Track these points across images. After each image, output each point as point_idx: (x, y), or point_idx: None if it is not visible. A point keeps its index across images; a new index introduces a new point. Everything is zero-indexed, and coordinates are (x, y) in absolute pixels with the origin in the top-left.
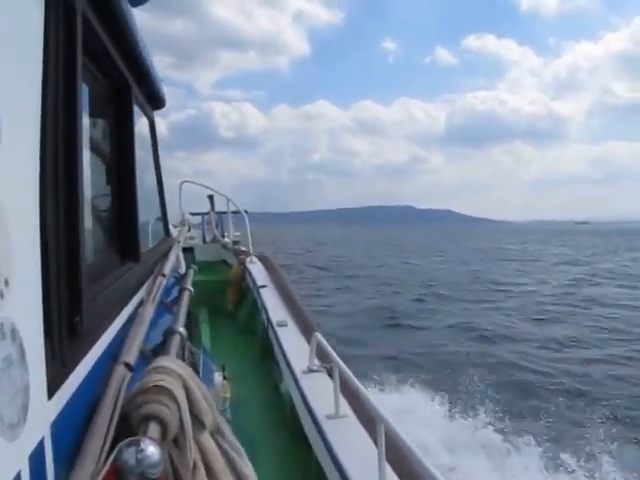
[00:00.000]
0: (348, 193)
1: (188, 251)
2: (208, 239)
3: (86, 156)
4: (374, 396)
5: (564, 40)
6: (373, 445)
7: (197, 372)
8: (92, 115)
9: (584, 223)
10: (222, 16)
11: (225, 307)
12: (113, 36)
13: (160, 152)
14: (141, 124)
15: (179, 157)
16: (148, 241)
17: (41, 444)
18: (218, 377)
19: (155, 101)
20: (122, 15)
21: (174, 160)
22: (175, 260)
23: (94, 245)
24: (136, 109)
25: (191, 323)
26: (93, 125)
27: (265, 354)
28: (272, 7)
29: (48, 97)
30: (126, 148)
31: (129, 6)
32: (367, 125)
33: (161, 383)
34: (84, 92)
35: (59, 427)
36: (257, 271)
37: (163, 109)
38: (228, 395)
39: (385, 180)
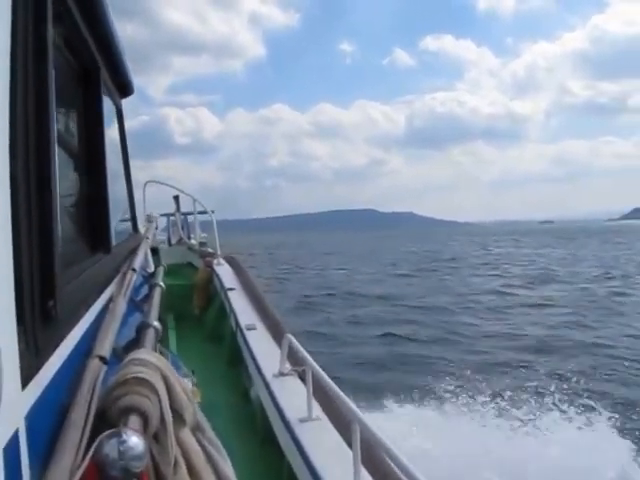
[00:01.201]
0: (309, 198)
1: (153, 252)
2: (174, 241)
3: (56, 143)
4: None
5: (522, 40)
6: (347, 448)
7: None
8: (60, 98)
9: (548, 222)
10: (175, 20)
11: (191, 312)
12: (85, 12)
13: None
14: (109, 111)
15: (136, 165)
16: (117, 236)
17: (15, 436)
18: (188, 383)
19: (123, 88)
20: None
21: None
22: (144, 256)
23: (65, 233)
24: (104, 96)
25: (162, 325)
26: (61, 108)
27: (234, 359)
28: (226, 10)
29: (17, 78)
30: (95, 134)
31: None
32: (326, 128)
33: (140, 375)
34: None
35: (34, 419)
36: (225, 273)
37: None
38: (198, 400)
39: (346, 184)
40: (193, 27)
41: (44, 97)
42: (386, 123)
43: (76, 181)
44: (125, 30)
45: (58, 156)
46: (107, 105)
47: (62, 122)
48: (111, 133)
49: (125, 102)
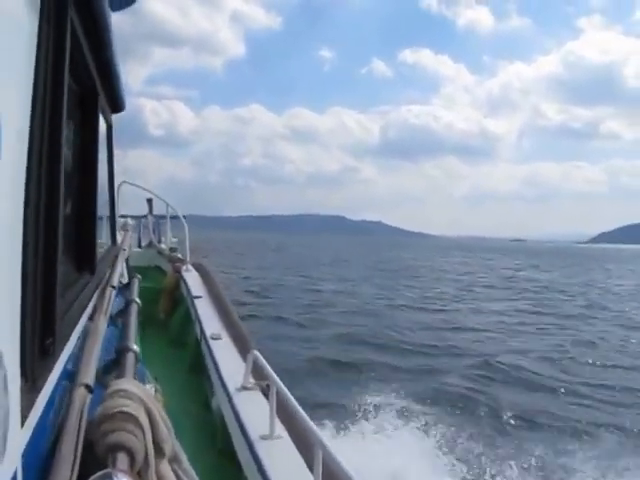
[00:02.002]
0: (280, 200)
1: None
2: (144, 244)
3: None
4: (312, 418)
5: (498, 59)
6: (308, 471)
7: None
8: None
9: (519, 240)
10: (157, 11)
11: (157, 316)
12: (91, 42)
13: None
14: (101, 129)
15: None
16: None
17: (14, 477)
18: (151, 389)
19: (116, 105)
20: (104, 20)
21: (100, 157)
22: (121, 270)
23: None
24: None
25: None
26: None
27: (196, 368)
28: (209, 6)
29: (36, 108)
30: (89, 158)
31: (109, 10)
32: (301, 132)
33: (126, 409)
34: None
35: (29, 456)
36: (192, 280)
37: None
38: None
39: (317, 189)
40: (175, 20)
41: (58, 132)
42: (361, 132)
43: (69, 203)
44: None
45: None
46: (101, 124)
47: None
48: (102, 148)
49: None
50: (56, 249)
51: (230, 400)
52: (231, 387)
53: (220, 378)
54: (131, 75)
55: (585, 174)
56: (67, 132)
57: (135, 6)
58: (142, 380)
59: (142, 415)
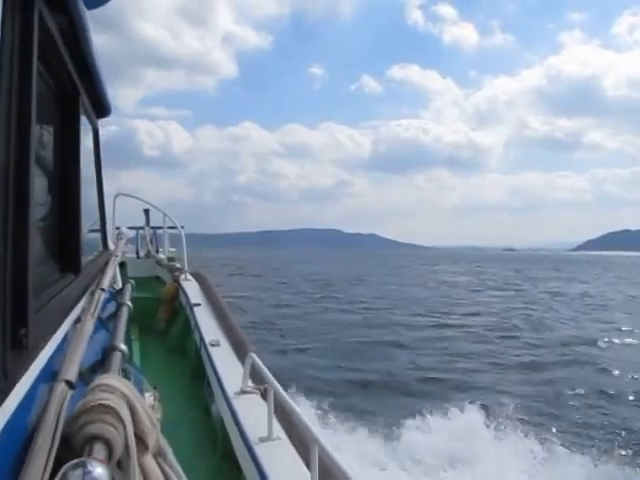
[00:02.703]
0: (275, 215)
1: (121, 266)
2: (142, 254)
3: (34, 166)
4: (309, 418)
5: (484, 74)
6: (306, 469)
7: None
8: (39, 120)
9: (510, 250)
10: (149, 34)
11: (157, 325)
12: (66, 37)
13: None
14: (85, 132)
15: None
16: (88, 253)
17: None
18: (149, 398)
19: (101, 109)
20: (78, 15)
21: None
22: (113, 275)
23: (37, 255)
24: (82, 117)
25: (128, 344)
26: (39, 130)
27: (197, 374)
28: (201, 27)
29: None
30: (70, 157)
31: (84, 7)
32: (294, 148)
33: (106, 402)
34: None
35: (1, 445)
36: (191, 289)
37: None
38: (159, 416)
39: (312, 203)
40: (167, 42)
41: (26, 128)
42: (352, 146)
43: (50, 201)
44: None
45: (36, 178)
46: (85, 126)
47: (39, 143)
48: (87, 152)
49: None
50: (26, 242)
51: (229, 404)
52: (230, 391)
53: (219, 383)
54: (123, 97)
55: (570, 183)
56: (45, 132)
57: (126, 29)
58: (139, 388)
59: (123, 408)
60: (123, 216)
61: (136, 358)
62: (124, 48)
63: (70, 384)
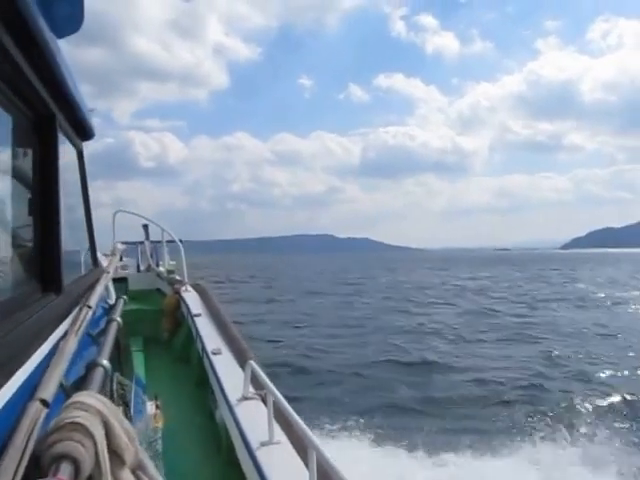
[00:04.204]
0: (269, 222)
1: (121, 281)
2: (142, 268)
3: (6, 186)
4: (306, 422)
5: (466, 80)
6: (306, 471)
7: (127, 405)
8: (14, 144)
9: (504, 250)
10: (142, 48)
11: (160, 336)
12: (34, 64)
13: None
14: (68, 154)
15: (97, 186)
16: (74, 272)
17: None
18: (150, 407)
19: (83, 131)
20: (44, 44)
21: (92, 189)
22: (103, 291)
23: (13, 277)
24: (63, 139)
25: (120, 354)
26: (15, 154)
27: (200, 382)
28: (192, 40)
29: None
30: (49, 178)
31: (53, 35)
32: (286, 157)
33: (77, 420)
34: (4, 121)
35: None
36: (192, 300)
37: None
38: (160, 425)
39: (305, 209)
40: (160, 55)
41: None
42: (342, 153)
43: (29, 223)
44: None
45: (12, 200)
46: (67, 149)
47: (16, 166)
48: (71, 174)
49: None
50: None
51: (231, 410)
52: (232, 398)
53: (222, 390)
54: (118, 110)
55: (553, 184)
56: (23, 154)
57: (119, 43)
58: (139, 401)
59: (95, 424)
60: (122, 231)
61: (140, 369)
62: (118, 62)
63: (45, 403)
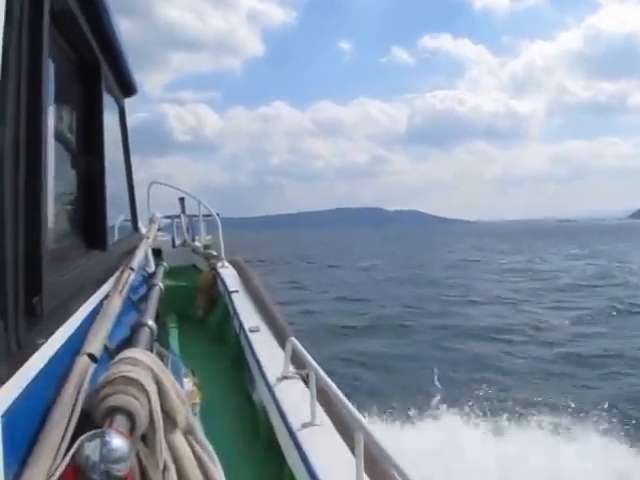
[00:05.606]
0: (312, 196)
1: (156, 253)
2: (178, 243)
3: (50, 137)
4: (353, 403)
5: (519, 39)
6: (351, 455)
7: None
8: (58, 92)
9: (568, 221)
10: (173, 17)
11: (195, 314)
12: (84, 7)
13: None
14: (111, 109)
15: (134, 163)
16: (115, 233)
17: None
18: (187, 383)
19: (126, 87)
20: None
21: None
22: (143, 256)
23: (58, 230)
24: (105, 94)
25: (159, 325)
26: (59, 103)
27: (237, 361)
28: (225, 7)
29: (9, 71)
30: (94, 130)
31: None
32: (327, 126)
33: (129, 374)
34: (50, 67)
35: (14, 416)
36: (229, 276)
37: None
38: (198, 401)
39: (349, 182)
40: (192, 25)
41: (37, 90)
42: (387, 121)
43: (73, 177)
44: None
45: (55, 151)
46: (110, 103)
47: (60, 117)
48: (112, 130)
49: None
50: (39, 212)
51: (271, 390)
52: (271, 377)
53: (260, 369)
54: (150, 83)
55: (617, 150)
56: (69, 105)
57: (150, 14)
58: (177, 373)
59: (148, 381)
60: (157, 205)
61: (175, 346)
62: (149, 33)
63: (93, 357)
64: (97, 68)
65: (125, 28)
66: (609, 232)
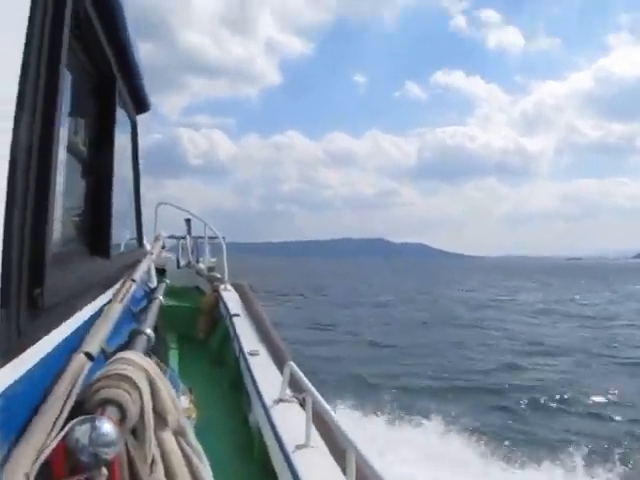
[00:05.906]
0: (319, 224)
1: (161, 272)
2: (182, 264)
3: (62, 147)
4: (347, 424)
5: (530, 79)
6: (343, 476)
7: None
8: (72, 104)
9: (575, 259)
10: (194, 43)
11: (196, 335)
12: (104, 18)
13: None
14: (123, 124)
15: (146, 183)
16: (122, 247)
17: None
18: (184, 400)
19: (139, 103)
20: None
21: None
22: (146, 270)
23: (63, 234)
24: (119, 109)
25: (158, 338)
26: (72, 115)
27: (235, 384)
28: (244, 35)
29: (27, 79)
30: (105, 141)
31: None
32: (338, 157)
33: (124, 372)
34: (67, 78)
35: (9, 399)
36: (231, 300)
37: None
38: (194, 416)
39: (357, 212)
40: (211, 51)
41: (53, 99)
42: (398, 154)
43: (82, 186)
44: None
45: (66, 160)
46: (122, 118)
47: (73, 127)
48: (123, 145)
49: (139, 120)
50: (46, 210)
51: (267, 412)
52: (268, 400)
53: (258, 392)
54: (167, 105)
55: (627, 190)
56: (82, 115)
57: (170, 38)
58: (175, 389)
59: (141, 380)
60: (164, 225)
61: (174, 365)
62: (169, 57)
63: (89, 356)
64: (112, 82)
65: (145, 51)
66: (622, 271)
